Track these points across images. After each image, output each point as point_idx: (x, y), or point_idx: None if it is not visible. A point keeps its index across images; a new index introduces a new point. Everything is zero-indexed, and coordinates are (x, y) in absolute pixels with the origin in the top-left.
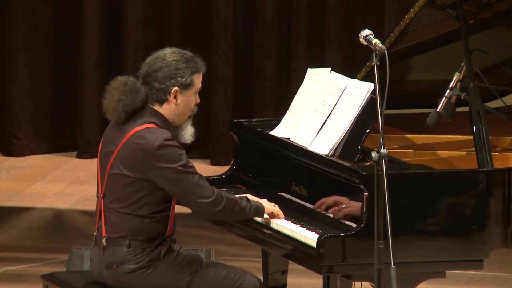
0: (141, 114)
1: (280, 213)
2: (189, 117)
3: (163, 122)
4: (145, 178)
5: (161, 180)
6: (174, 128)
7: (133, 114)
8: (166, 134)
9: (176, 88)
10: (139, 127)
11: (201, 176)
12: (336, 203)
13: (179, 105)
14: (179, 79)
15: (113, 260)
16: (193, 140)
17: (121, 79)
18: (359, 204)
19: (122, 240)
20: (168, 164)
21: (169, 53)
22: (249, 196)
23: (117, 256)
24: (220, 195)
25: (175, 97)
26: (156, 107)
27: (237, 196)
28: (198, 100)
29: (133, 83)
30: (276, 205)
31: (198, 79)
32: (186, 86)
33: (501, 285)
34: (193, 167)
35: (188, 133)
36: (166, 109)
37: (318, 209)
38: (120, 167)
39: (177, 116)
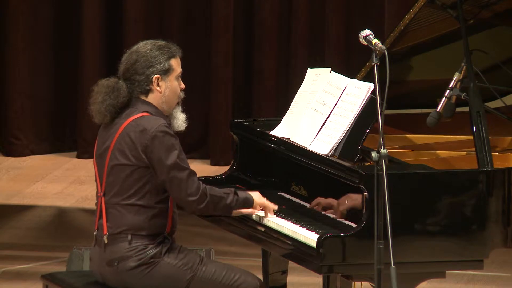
0: (133, 106)
1: (270, 206)
2: (178, 103)
3: (156, 111)
4: (144, 165)
5: (154, 165)
6: (165, 117)
7: (121, 109)
8: (162, 121)
9: (156, 75)
10: (133, 117)
11: (190, 172)
12: (333, 204)
13: (164, 92)
14: (157, 66)
15: (114, 256)
16: (186, 126)
17: (102, 82)
18: (356, 200)
19: (124, 236)
20: (162, 151)
21: (141, 45)
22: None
23: (118, 252)
24: (204, 192)
25: (158, 85)
26: (144, 98)
27: (224, 190)
28: (183, 85)
29: (114, 82)
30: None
31: (176, 63)
32: (165, 72)
33: (501, 285)
34: (185, 159)
35: (180, 120)
36: (153, 99)
37: (315, 207)
38: (119, 157)
39: (166, 104)
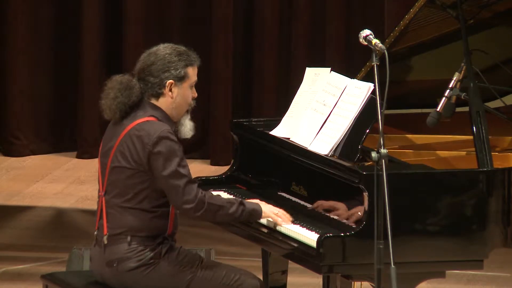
0: (141, 108)
1: (285, 217)
2: (187, 111)
3: (163, 116)
4: (144, 169)
5: (154, 170)
6: (173, 123)
7: (130, 109)
8: (165, 127)
9: (170, 80)
10: (139, 120)
11: (189, 180)
12: (337, 207)
13: (175, 98)
14: (172, 71)
15: (114, 257)
16: (193, 134)
17: (116, 78)
18: (362, 208)
19: (123, 237)
20: (163, 157)
21: (161, 48)
22: (259, 201)
23: (118, 253)
24: (201, 200)
25: (170, 90)
26: (154, 102)
27: (228, 199)
28: (195, 94)
29: (128, 80)
30: (281, 210)
31: (192, 72)
32: (180, 79)
33: (501, 285)
34: (185, 167)
35: (187, 128)
36: (163, 103)
37: (317, 209)
38: (120, 159)
39: (175, 110)
